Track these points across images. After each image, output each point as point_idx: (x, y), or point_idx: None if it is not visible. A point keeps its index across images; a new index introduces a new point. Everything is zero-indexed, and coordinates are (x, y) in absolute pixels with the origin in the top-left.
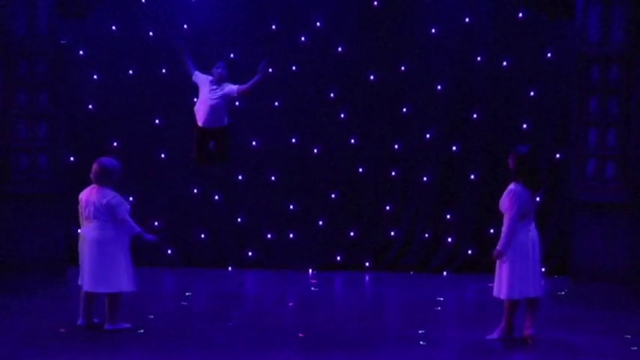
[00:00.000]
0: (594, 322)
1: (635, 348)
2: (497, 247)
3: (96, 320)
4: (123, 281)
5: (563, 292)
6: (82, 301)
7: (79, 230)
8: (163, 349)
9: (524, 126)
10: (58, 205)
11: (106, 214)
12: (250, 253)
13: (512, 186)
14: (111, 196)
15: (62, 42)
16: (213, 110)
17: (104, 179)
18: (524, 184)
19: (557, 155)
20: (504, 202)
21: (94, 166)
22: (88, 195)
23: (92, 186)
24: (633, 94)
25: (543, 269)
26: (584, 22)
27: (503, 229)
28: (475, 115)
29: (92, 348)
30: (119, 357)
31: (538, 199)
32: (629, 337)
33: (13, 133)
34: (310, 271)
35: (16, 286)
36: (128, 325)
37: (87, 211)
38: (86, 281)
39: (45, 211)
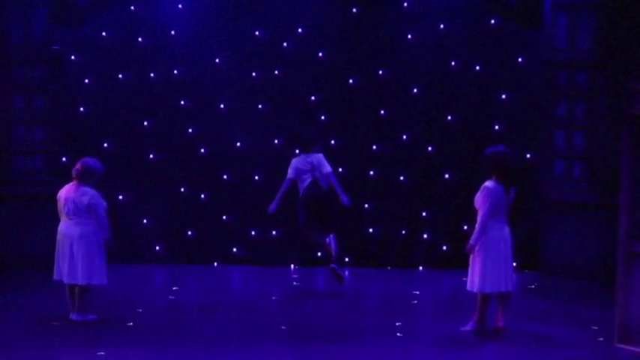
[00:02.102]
0: (563, 315)
1: (602, 339)
2: (470, 241)
3: (92, 316)
4: (96, 275)
5: (533, 286)
6: (68, 295)
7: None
8: (152, 342)
9: (496, 128)
10: (56, 206)
11: (85, 211)
12: (235, 250)
13: (486, 183)
14: (90, 195)
15: (55, 48)
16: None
17: (86, 178)
18: (498, 181)
19: (528, 156)
20: (478, 199)
21: (78, 165)
22: (67, 192)
23: (72, 183)
24: (599, 98)
25: (514, 264)
26: (553, 30)
27: (477, 224)
28: (449, 118)
29: (82, 341)
30: (108, 349)
31: (511, 197)
32: (595, 328)
33: (12, 136)
34: (292, 266)
35: (15, 283)
36: (95, 317)
37: (66, 208)
38: (66, 274)
39: (43, 212)
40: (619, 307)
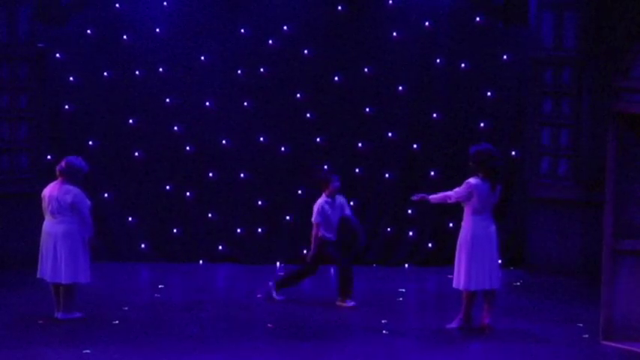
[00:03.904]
0: (548, 312)
1: (587, 335)
2: (429, 196)
3: (77, 315)
4: (81, 273)
5: (518, 284)
6: (53, 293)
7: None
8: (138, 340)
9: (482, 125)
10: (40, 204)
11: (68, 209)
12: (221, 248)
13: (470, 179)
14: (74, 193)
15: (40, 45)
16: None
17: (70, 177)
18: (483, 179)
19: (513, 153)
20: (458, 190)
21: (62, 164)
22: (51, 190)
23: (56, 182)
24: (584, 96)
25: (500, 261)
26: (538, 28)
27: (442, 194)
28: (435, 115)
29: (68, 339)
30: (94, 348)
31: (497, 194)
32: (580, 325)
33: None
34: (278, 264)
35: (0, 282)
36: (80, 315)
37: (50, 206)
38: (49, 273)
39: (27, 210)
40: (604, 304)
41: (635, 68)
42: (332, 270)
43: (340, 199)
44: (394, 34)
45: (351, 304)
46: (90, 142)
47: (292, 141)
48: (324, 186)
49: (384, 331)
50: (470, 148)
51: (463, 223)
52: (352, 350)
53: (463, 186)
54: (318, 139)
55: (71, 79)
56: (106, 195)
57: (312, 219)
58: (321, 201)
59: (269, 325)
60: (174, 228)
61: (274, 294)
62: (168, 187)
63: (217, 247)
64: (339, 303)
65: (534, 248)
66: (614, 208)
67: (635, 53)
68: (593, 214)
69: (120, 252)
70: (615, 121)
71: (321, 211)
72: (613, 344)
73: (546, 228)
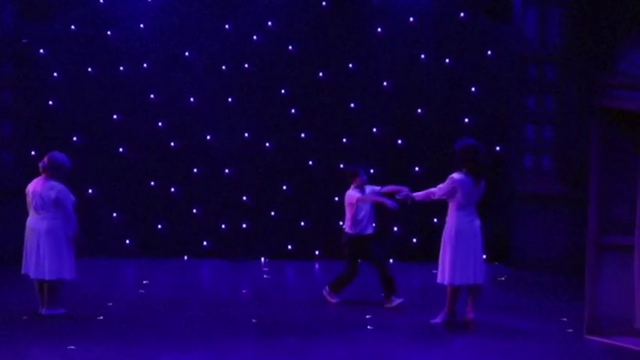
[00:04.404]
0: (532, 307)
1: (571, 330)
2: (413, 194)
3: (61, 311)
4: (65, 269)
5: (502, 279)
6: (37, 290)
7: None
8: (122, 336)
9: (466, 121)
10: (25, 200)
11: (52, 205)
12: (206, 243)
13: (453, 174)
14: (58, 189)
15: (24, 42)
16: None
17: (53, 172)
18: (466, 174)
19: (497, 149)
20: (442, 186)
21: (45, 159)
22: (35, 186)
23: (40, 177)
24: (568, 92)
25: (484, 256)
26: (522, 24)
27: (428, 191)
28: (419, 111)
29: (52, 335)
30: (78, 344)
31: (482, 190)
32: (565, 320)
33: None
34: (263, 259)
35: None
36: (64, 311)
37: (34, 202)
38: (32, 269)
39: (12, 206)
40: (588, 299)
41: (619, 63)
42: (316, 265)
43: (369, 188)
44: (379, 29)
45: (398, 301)
46: (75, 138)
47: (277, 137)
48: (351, 178)
49: (368, 327)
50: (454, 143)
51: (448, 219)
52: (337, 346)
53: (447, 182)
54: (302, 135)
55: (55, 75)
56: (90, 191)
57: (353, 201)
58: (350, 190)
59: (253, 320)
60: (159, 224)
61: (328, 296)
62: (152, 183)
63: (202, 243)
64: (387, 305)
65: (519, 244)
66: (598, 204)
67: (619, 48)
68: (577, 210)
69: (104, 248)
70: (599, 117)
71: (354, 194)
72: (597, 339)
73: (530, 223)
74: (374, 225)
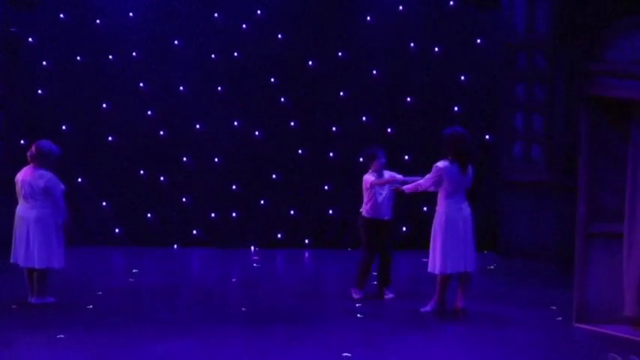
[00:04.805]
0: (521, 295)
1: (560, 318)
2: (403, 187)
3: (50, 299)
4: (54, 258)
5: (492, 267)
6: (27, 278)
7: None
8: (112, 325)
9: (455, 109)
10: (14, 189)
11: (41, 194)
12: (195, 232)
13: (437, 163)
14: (47, 178)
15: (12, 30)
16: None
17: (42, 161)
18: (452, 161)
19: (486, 137)
20: (428, 176)
21: (33, 148)
22: (24, 175)
23: (28, 166)
24: (557, 80)
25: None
26: (511, 13)
27: (417, 183)
28: (409, 99)
29: (42, 324)
30: (67, 332)
31: (470, 177)
32: (554, 308)
33: None
34: (252, 248)
35: None
36: (54, 300)
37: (23, 190)
38: (22, 257)
39: (1, 195)
40: (576, 286)
41: (607, 51)
42: (306, 254)
43: (388, 173)
44: (368, 18)
45: (390, 295)
46: (63, 127)
47: (266, 125)
48: (370, 162)
49: (358, 315)
50: (444, 131)
51: (437, 207)
52: (327, 334)
53: (432, 171)
54: (292, 124)
55: (44, 64)
56: (79, 180)
57: (367, 186)
58: (367, 174)
59: (243, 309)
60: (148, 213)
61: (355, 294)
62: (142, 172)
63: (191, 232)
64: (379, 297)
65: (507, 232)
66: (587, 192)
67: (607, 36)
68: (566, 198)
69: (94, 236)
70: (587, 105)
71: (370, 178)
72: (586, 326)
73: (519, 211)
74: (392, 211)
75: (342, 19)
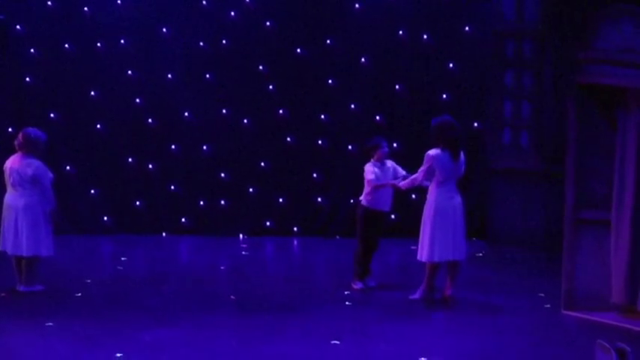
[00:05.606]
0: (510, 283)
1: (549, 306)
2: (399, 184)
3: (39, 287)
4: (43, 246)
5: (480, 255)
6: (15, 266)
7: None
8: (100, 313)
9: (444, 97)
10: (2, 177)
11: (29, 182)
12: (184, 220)
13: (429, 151)
14: (35, 166)
15: (0, 18)
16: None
17: (29, 148)
18: (442, 149)
19: (475, 125)
20: (421, 168)
21: (20, 136)
22: (12, 163)
23: (17, 154)
24: (546, 68)
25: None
26: (500, 1)
27: (412, 178)
28: (397, 87)
29: (30, 312)
30: (56, 320)
31: (461, 166)
32: (542, 295)
33: None
34: (241, 236)
35: None
36: (42, 287)
37: (11, 178)
38: (10, 245)
39: None
40: (565, 274)
41: (596, 39)
42: (295, 242)
43: (390, 162)
44: (356, 6)
45: (359, 285)
46: (52, 115)
47: (255, 113)
48: (372, 151)
49: (347, 303)
50: (432, 120)
51: (428, 195)
52: (315, 322)
53: (424, 161)
54: (280, 111)
55: (32, 51)
56: (68, 168)
57: (366, 181)
58: (368, 164)
59: (232, 297)
60: (137, 200)
61: (355, 285)
62: (130, 160)
63: (180, 220)
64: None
65: (496, 219)
66: (575, 180)
67: (596, 24)
68: (554, 186)
69: (82, 224)
70: (575, 93)
71: (372, 169)
72: (574, 314)
73: (508, 199)
74: (391, 203)
75: (331, 7)
